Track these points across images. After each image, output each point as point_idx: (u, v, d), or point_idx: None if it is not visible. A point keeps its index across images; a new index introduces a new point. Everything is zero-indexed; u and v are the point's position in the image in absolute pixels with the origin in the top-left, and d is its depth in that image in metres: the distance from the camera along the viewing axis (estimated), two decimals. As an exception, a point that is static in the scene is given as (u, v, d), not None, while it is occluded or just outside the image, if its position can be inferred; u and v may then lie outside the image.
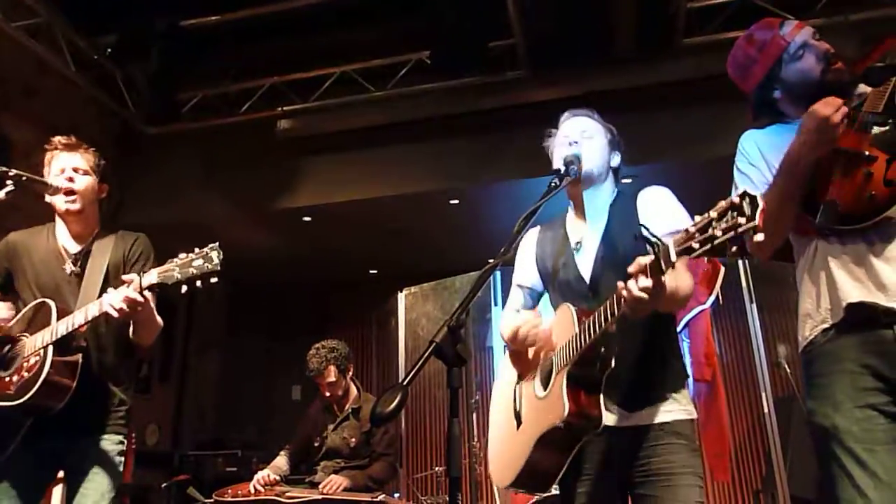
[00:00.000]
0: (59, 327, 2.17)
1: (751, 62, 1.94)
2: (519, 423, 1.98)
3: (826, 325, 1.74)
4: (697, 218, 1.35)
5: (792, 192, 1.74)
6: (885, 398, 1.63)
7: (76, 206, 2.40)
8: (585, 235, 2.03)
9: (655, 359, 1.89)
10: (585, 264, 1.98)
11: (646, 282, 1.49)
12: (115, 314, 2.07)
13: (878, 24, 4.30)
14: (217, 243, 2.01)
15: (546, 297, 2.16)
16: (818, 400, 1.73)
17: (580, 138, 2.04)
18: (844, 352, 1.69)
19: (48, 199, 2.43)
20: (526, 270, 2.18)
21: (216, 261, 1.98)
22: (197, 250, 2.01)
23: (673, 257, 1.41)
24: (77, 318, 2.15)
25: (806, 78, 1.86)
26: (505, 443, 2.03)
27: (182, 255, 2.03)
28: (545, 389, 1.88)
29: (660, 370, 1.89)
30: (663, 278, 1.49)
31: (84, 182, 2.42)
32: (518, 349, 2.02)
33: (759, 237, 1.25)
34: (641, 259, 1.51)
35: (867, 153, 1.67)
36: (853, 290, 1.69)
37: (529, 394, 1.96)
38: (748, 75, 1.96)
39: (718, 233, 1.29)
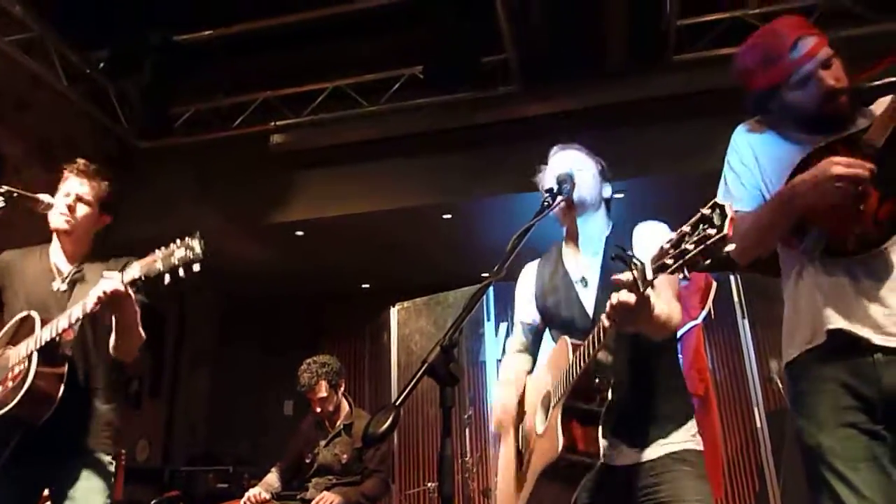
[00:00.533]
0: (44, 334, 2.16)
1: (754, 72, 1.89)
2: (521, 462, 1.97)
3: (808, 346, 1.76)
4: (673, 234, 1.34)
5: (783, 224, 1.75)
6: (864, 416, 1.66)
7: (66, 228, 2.43)
8: (585, 270, 2.03)
9: (658, 393, 1.88)
10: (589, 299, 1.97)
11: (628, 296, 1.49)
12: (97, 303, 2.06)
13: (869, 40, 4.34)
14: (198, 232, 2.01)
15: (548, 333, 2.15)
16: (804, 419, 1.76)
17: (571, 169, 2.05)
18: (826, 371, 1.72)
19: (48, 215, 2.45)
20: (525, 308, 2.18)
21: (198, 249, 1.98)
22: (178, 241, 2.01)
23: (649, 274, 1.41)
24: (61, 322, 2.14)
25: (803, 108, 1.82)
26: (509, 482, 2.01)
27: (163, 248, 2.03)
28: (544, 424, 1.86)
29: (663, 405, 1.87)
30: (647, 294, 1.48)
31: (82, 211, 2.46)
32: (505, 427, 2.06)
33: (730, 247, 1.25)
34: (624, 274, 1.50)
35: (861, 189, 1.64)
36: (834, 317, 1.71)
37: (531, 431, 1.94)
38: (750, 80, 1.91)
39: (690, 246, 1.29)
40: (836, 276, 1.72)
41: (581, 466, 1.72)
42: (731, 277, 4.94)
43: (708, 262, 1.28)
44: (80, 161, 2.52)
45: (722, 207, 1.24)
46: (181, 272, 1.98)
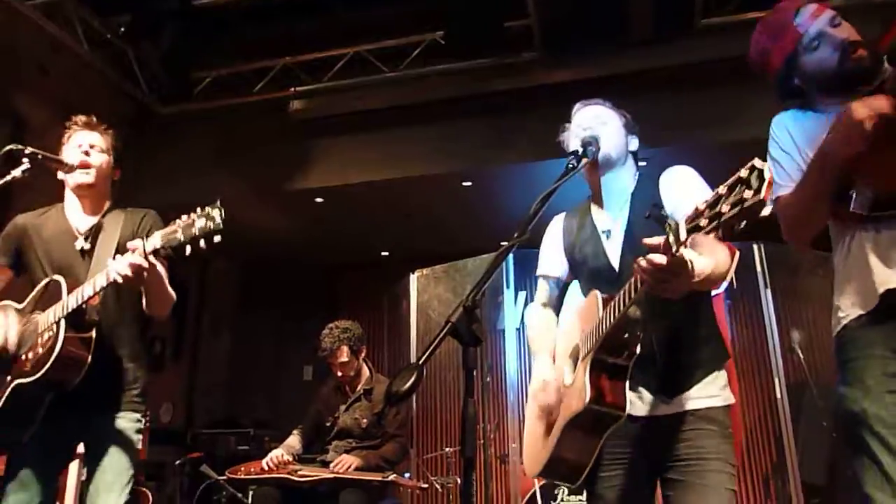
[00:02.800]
0: (70, 301, 2.17)
1: (767, 52, 1.88)
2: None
3: (861, 312, 1.70)
4: (710, 194, 1.32)
5: (824, 187, 1.69)
6: None
7: (89, 179, 2.42)
8: (610, 222, 2.01)
9: (689, 343, 1.86)
10: (614, 251, 1.96)
11: (660, 258, 1.47)
12: (121, 280, 2.05)
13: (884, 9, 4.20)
14: (218, 201, 1.99)
15: (575, 285, 2.14)
16: (848, 385, 1.69)
17: (595, 124, 2.03)
18: (877, 337, 1.66)
19: (61, 176, 2.45)
20: (552, 260, 2.16)
21: (218, 220, 1.95)
22: (199, 210, 1.98)
23: (683, 235, 1.38)
24: (86, 290, 2.15)
25: (823, 69, 1.78)
26: (536, 434, 2.03)
27: (184, 217, 2.02)
28: (572, 375, 1.87)
29: (694, 354, 1.86)
30: (681, 253, 1.46)
31: (100, 159, 2.46)
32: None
33: (766, 211, 1.24)
34: (655, 237, 1.48)
35: None
36: (890, 276, 1.64)
37: (559, 382, 1.96)
38: (767, 63, 1.90)
39: (726, 208, 1.27)
40: (889, 230, 1.66)
41: (607, 418, 1.73)
42: (755, 247, 4.88)
43: (742, 225, 1.26)
44: (80, 116, 2.50)
45: (760, 171, 1.22)
46: (202, 243, 1.96)
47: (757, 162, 1.24)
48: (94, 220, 2.46)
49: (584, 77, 4.99)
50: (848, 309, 1.73)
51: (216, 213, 1.96)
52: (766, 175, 1.21)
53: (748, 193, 1.22)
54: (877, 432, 1.60)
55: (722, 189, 1.29)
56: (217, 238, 1.96)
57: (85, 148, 2.43)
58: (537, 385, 1.99)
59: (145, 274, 2.09)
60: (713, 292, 4.31)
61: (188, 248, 1.99)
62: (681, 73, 4.94)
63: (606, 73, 4.92)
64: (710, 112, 4.92)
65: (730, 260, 1.77)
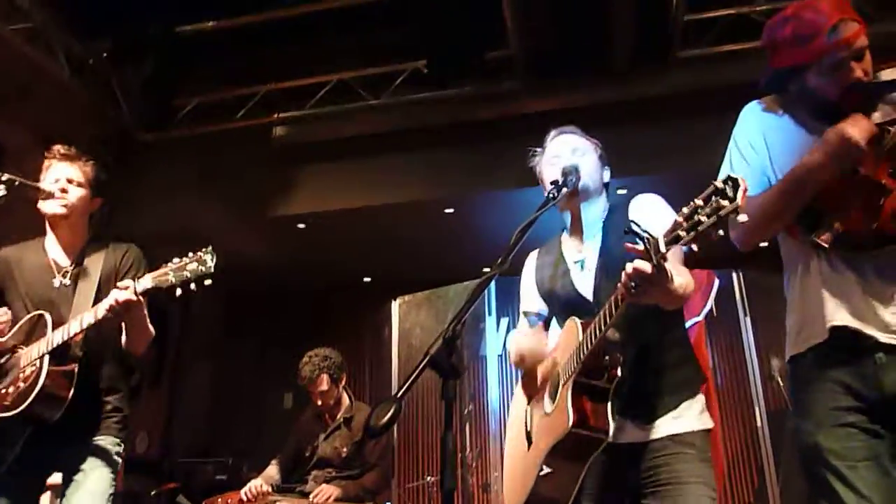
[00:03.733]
0: (55, 337, 2.17)
1: (783, 47, 1.78)
2: (530, 442, 1.97)
3: (811, 343, 1.74)
4: (685, 208, 1.38)
5: (794, 204, 1.71)
6: (863, 416, 1.65)
7: (62, 212, 2.40)
8: (584, 252, 2.03)
9: (662, 365, 1.87)
10: (586, 281, 1.97)
11: (645, 265, 1.49)
12: (111, 315, 2.08)
13: (883, 38, 4.30)
14: (210, 247, 2.06)
15: (555, 322, 2.15)
16: (802, 418, 1.75)
17: (571, 156, 2.05)
18: (826, 370, 1.71)
19: (40, 205, 2.43)
20: (529, 297, 2.18)
21: (210, 264, 2.03)
22: (191, 254, 2.05)
23: (662, 247, 1.43)
24: (72, 327, 2.16)
25: (823, 96, 1.75)
26: (517, 465, 2.01)
27: (176, 260, 2.07)
28: (552, 404, 1.86)
29: (668, 377, 1.87)
30: (662, 264, 1.49)
31: (76, 194, 2.44)
32: (526, 368, 2.01)
33: (742, 218, 1.29)
34: (636, 245, 1.51)
35: (884, 183, 1.60)
36: (839, 313, 1.68)
37: (539, 412, 1.95)
38: (776, 55, 1.81)
39: (703, 218, 1.33)
40: (844, 272, 1.70)
41: (590, 443, 1.73)
42: (734, 275, 4.92)
43: (720, 232, 1.32)
44: (59, 146, 2.48)
45: (735, 180, 1.29)
46: (192, 286, 2.03)
47: (732, 174, 1.31)
48: (73, 254, 2.45)
49: (564, 106, 5.05)
50: (799, 340, 1.78)
51: (208, 258, 2.03)
52: (742, 184, 1.28)
53: (724, 202, 1.29)
54: (831, 464, 1.65)
55: (698, 201, 1.35)
56: (208, 282, 2.02)
57: (62, 183, 2.41)
58: (524, 343, 2.00)
59: (132, 309, 2.12)
60: (693, 320, 4.35)
61: (178, 291, 2.04)
62: (660, 103, 5.01)
63: (587, 103, 4.98)
64: (688, 141, 4.98)
65: (692, 283, 1.78)
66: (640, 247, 1.48)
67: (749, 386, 4.80)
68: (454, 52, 5.00)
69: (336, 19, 5.13)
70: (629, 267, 1.53)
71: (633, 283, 1.53)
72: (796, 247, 1.81)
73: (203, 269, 2.03)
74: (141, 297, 2.12)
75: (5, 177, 2.28)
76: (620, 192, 2.17)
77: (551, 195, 1.88)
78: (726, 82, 4.62)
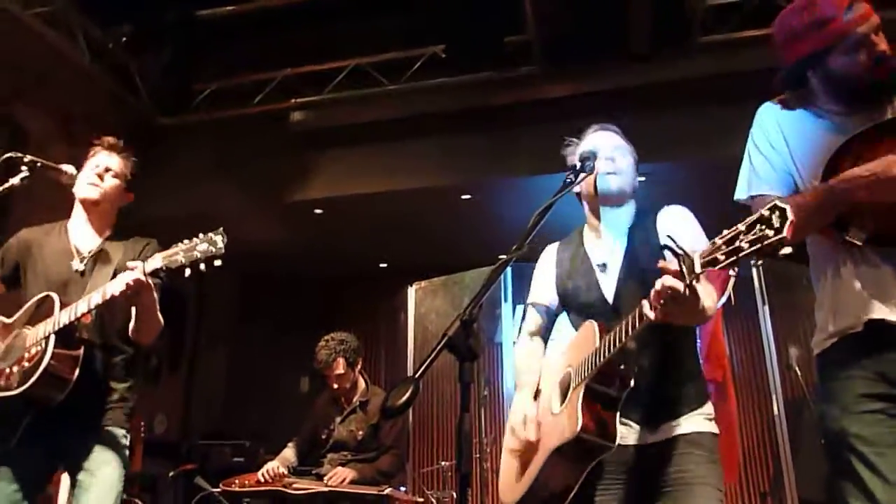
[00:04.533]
0: (62, 317, 2.17)
1: (801, 35, 1.75)
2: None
3: (843, 336, 1.72)
4: (726, 231, 1.35)
5: (828, 217, 1.68)
6: (892, 403, 1.63)
7: (95, 197, 2.44)
8: (607, 255, 2.01)
9: (676, 377, 1.87)
10: (609, 285, 1.96)
11: (677, 284, 1.47)
12: (118, 296, 2.08)
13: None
14: (221, 228, 2.05)
15: (563, 319, 2.14)
16: (829, 403, 1.73)
17: (617, 156, 2.03)
18: (858, 359, 1.69)
19: (75, 188, 2.46)
20: (543, 290, 2.15)
21: (220, 244, 2.02)
22: (202, 235, 2.04)
23: (697, 268, 1.41)
24: (80, 307, 2.15)
25: (851, 76, 1.71)
26: (517, 459, 2.01)
27: (186, 241, 2.06)
28: (561, 405, 1.86)
29: (680, 388, 1.87)
30: (693, 285, 1.47)
31: (111, 183, 2.48)
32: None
33: (787, 250, 1.25)
34: (668, 263, 1.49)
35: None
36: (876, 306, 1.66)
37: (545, 410, 1.94)
38: (793, 46, 1.79)
39: (745, 244, 1.29)
40: (881, 266, 1.67)
41: (595, 449, 1.73)
42: (752, 265, 4.88)
43: (760, 262, 1.30)
44: (110, 137, 2.54)
45: (783, 210, 1.24)
46: (202, 266, 2.02)
47: (779, 202, 1.26)
48: (95, 242, 2.46)
49: (583, 91, 5.02)
50: (829, 332, 1.75)
51: (218, 239, 2.02)
52: (790, 216, 1.23)
53: (770, 232, 1.25)
54: (856, 450, 1.63)
55: (741, 226, 1.32)
56: (217, 262, 2.01)
57: (100, 169, 2.46)
58: (517, 419, 1.97)
59: (142, 291, 2.11)
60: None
61: (188, 271, 2.03)
62: (679, 88, 4.96)
63: (605, 88, 4.94)
64: (708, 128, 4.93)
65: (715, 298, 1.79)
66: (675, 265, 1.46)
67: (766, 375, 4.78)
68: (472, 37, 4.97)
69: (354, 4, 5.11)
70: (659, 283, 1.51)
71: (661, 301, 1.52)
72: (828, 244, 1.79)
73: (213, 249, 2.01)
74: (150, 279, 2.11)
75: (27, 158, 2.31)
76: (640, 178, 2.15)
77: (569, 179, 1.87)
78: (748, 68, 4.56)
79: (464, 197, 5.90)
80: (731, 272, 4.37)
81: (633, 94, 4.93)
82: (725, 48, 4.76)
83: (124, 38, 5.35)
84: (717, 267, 1.36)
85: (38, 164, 2.34)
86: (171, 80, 5.52)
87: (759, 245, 1.27)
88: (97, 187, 2.43)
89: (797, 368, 4.70)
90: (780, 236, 1.24)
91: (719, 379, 4.14)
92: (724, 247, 1.34)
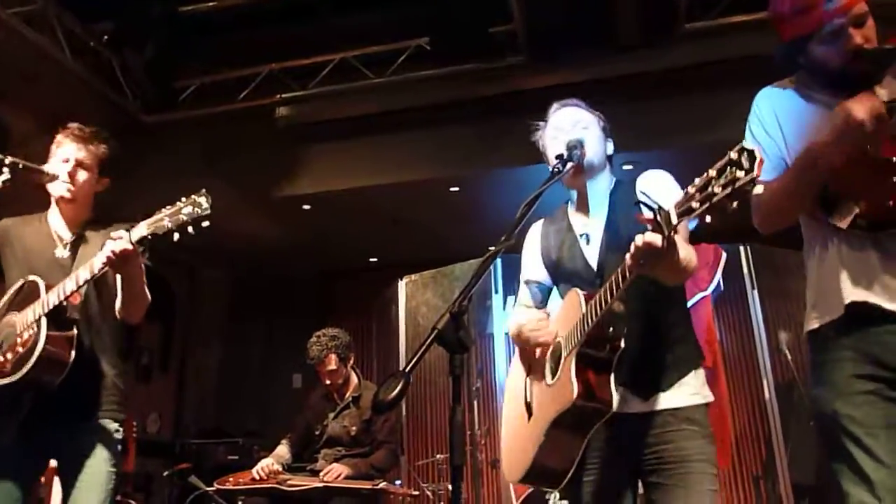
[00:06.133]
0: (51, 298, 2.14)
1: (787, 19, 1.77)
2: (530, 415, 1.96)
3: (829, 318, 1.73)
4: (697, 179, 1.36)
5: (809, 188, 1.70)
6: (884, 385, 1.65)
7: (68, 195, 2.40)
8: (589, 225, 2.01)
9: (666, 341, 1.87)
10: (592, 253, 1.97)
11: (655, 237, 1.48)
12: (104, 266, 2.05)
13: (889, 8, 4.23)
14: (204, 189, 2.01)
15: (556, 291, 2.13)
16: (821, 386, 1.74)
17: (577, 129, 2.02)
18: (845, 341, 1.70)
19: (48, 186, 2.42)
20: (533, 266, 2.16)
21: (205, 205, 1.98)
22: (184, 199, 2.00)
23: (674, 219, 1.42)
24: (68, 285, 2.13)
25: (827, 65, 1.74)
26: (517, 437, 2.01)
27: (169, 206, 2.03)
28: (554, 376, 1.86)
29: (670, 352, 1.86)
30: (671, 236, 1.48)
31: (83, 177, 2.42)
32: (523, 346, 2.01)
33: (758, 189, 1.31)
34: (647, 214, 1.50)
35: (894, 161, 1.59)
36: (855, 290, 1.68)
37: (540, 384, 1.94)
38: (781, 29, 1.81)
39: (718, 189, 1.30)
40: (862, 249, 1.69)
41: (594, 414, 1.73)
42: (741, 249, 4.91)
43: (734, 205, 1.30)
44: (75, 125, 2.46)
45: (751, 151, 1.26)
46: (190, 229, 1.98)
47: (747, 144, 1.28)
48: (75, 228, 2.44)
49: (570, 81, 5.00)
50: (817, 314, 1.77)
51: (203, 200, 1.99)
52: (758, 155, 1.25)
53: (740, 173, 1.26)
54: (850, 431, 1.64)
55: (711, 172, 1.33)
56: (205, 223, 1.97)
57: (71, 165, 2.39)
58: (523, 321, 1.97)
59: (128, 263, 2.08)
60: (700, 295, 4.34)
61: (176, 235, 1.99)
62: (666, 77, 4.96)
63: (592, 78, 4.93)
64: (696, 115, 4.94)
65: (696, 259, 1.78)
66: (649, 215, 1.47)
67: (757, 359, 4.81)
68: (457, 29, 4.95)
69: (337, -3, 5.08)
70: (639, 239, 1.51)
71: (641, 256, 1.52)
72: (817, 227, 1.80)
73: (199, 210, 1.97)
74: (138, 247, 2.08)
75: (9, 160, 2.27)
76: (627, 167, 2.15)
77: (556, 169, 1.87)
78: (735, 55, 4.57)
79: (452, 189, 5.89)
80: (723, 253, 4.41)
81: (621, 83, 4.92)
82: (712, 35, 4.76)
83: (106, 36, 5.29)
84: (693, 214, 1.37)
85: (20, 166, 2.30)
86: (155, 76, 5.46)
87: (731, 188, 1.28)
88: (69, 186, 2.38)
89: (787, 352, 4.73)
90: (750, 175, 1.25)
91: (710, 364, 4.16)
92: (697, 194, 1.35)
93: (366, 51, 5.46)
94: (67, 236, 2.42)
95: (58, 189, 2.39)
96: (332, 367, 4.00)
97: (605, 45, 4.90)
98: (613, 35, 4.85)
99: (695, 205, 1.35)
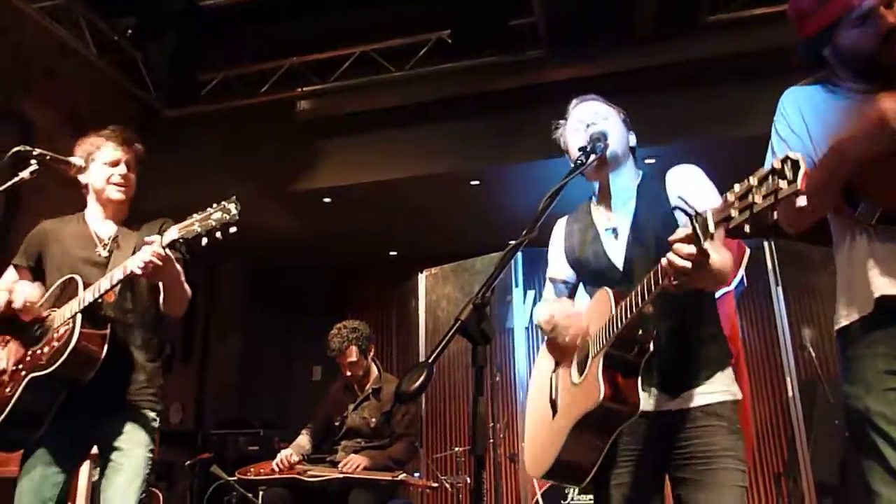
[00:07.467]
0: (87, 295, 2.21)
1: (808, 13, 1.72)
2: (555, 411, 1.95)
3: (859, 313, 1.70)
4: (737, 186, 1.31)
5: (834, 185, 1.65)
6: None
7: (122, 198, 2.50)
8: (615, 221, 1.99)
9: (695, 340, 1.85)
10: (617, 250, 1.94)
11: (688, 248, 1.45)
12: (139, 272, 2.12)
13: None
14: (234, 196, 2.09)
15: (582, 288, 2.12)
16: (851, 383, 1.70)
17: (598, 120, 2.00)
18: (876, 337, 1.66)
19: (83, 179, 2.49)
20: (557, 264, 2.14)
21: (234, 212, 2.06)
22: (215, 205, 2.08)
23: (711, 227, 1.37)
24: (103, 284, 2.20)
25: (859, 50, 1.67)
26: (540, 432, 2.00)
27: (200, 211, 2.11)
28: (581, 375, 1.84)
29: (700, 352, 1.84)
30: (705, 247, 1.44)
31: (132, 180, 2.54)
32: (553, 336, 2.00)
33: (802, 201, 1.21)
34: (682, 229, 1.47)
35: None
36: (885, 284, 1.64)
37: (566, 381, 1.93)
38: (803, 24, 1.76)
39: (759, 199, 1.25)
40: (890, 243, 1.65)
41: (619, 416, 1.72)
42: (766, 245, 4.85)
43: (775, 216, 1.26)
44: (116, 128, 2.54)
45: (795, 161, 1.21)
46: (218, 234, 2.06)
47: (792, 154, 1.23)
48: (113, 228, 2.51)
49: (590, 74, 4.98)
50: (847, 311, 1.74)
51: (232, 206, 2.06)
52: (802, 166, 1.20)
53: (783, 184, 1.21)
54: (880, 429, 1.61)
55: (752, 180, 1.28)
56: (233, 229, 2.05)
57: (122, 168, 2.49)
58: (556, 310, 1.92)
59: (162, 267, 2.15)
60: (723, 290, 4.29)
61: (205, 240, 2.07)
62: (687, 69, 4.91)
63: (612, 70, 4.90)
64: (717, 109, 4.89)
65: (732, 262, 1.74)
66: (682, 233, 1.43)
67: (780, 356, 4.76)
68: (477, 22, 4.93)
69: (358, -10, 5.08)
70: (673, 256, 1.48)
71: (674, 269, 1.49)
72: (844, 223, 1.77)
73: (227, 216, 2.05)
74: (169, 251, 2.15)
75: (36, 152, 2.32)
76: (648, 161, 2.12)
77: (579, 161, 1.84)
78: (756, 48, 4.51)
79: (473, 183, 5.88)
80: (747, 249, 4.36)
81: (640, 76, 4.88)
82: (733, 27, 4.70)
83: (129, 31, 5.34)
84: (732, 224, 1.32)
85: (48, 157, 2.35)
86: (177, 70, 5.49)
87: (773, 198, 1.23)
88: (124, 189, 2.49)
89: (811, 349, 4.67)
90: (794, 187, 1.20)
91: (732, 361, 4.12)
92: (736, 202, 1.30)
93: (386, 44, 5.46)
94: (105, 236, 2.48)
95: (115, 194, 2.47)
96: (353, 358, 4.02)
97: (625, 37, 4.87)
98: (633, 28, 4.82)
99: (734, 213, 1.30)
